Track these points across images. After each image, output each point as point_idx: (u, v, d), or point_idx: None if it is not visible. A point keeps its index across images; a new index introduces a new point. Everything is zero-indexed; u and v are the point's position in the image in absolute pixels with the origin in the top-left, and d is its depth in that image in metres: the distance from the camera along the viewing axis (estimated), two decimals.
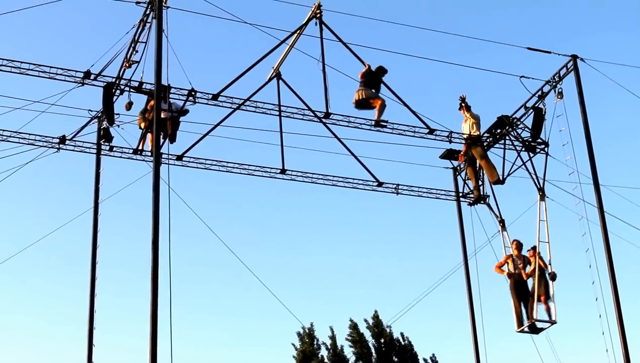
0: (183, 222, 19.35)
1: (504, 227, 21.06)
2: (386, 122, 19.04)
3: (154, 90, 16.02)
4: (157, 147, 15.32)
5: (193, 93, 18.06)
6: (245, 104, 18.67)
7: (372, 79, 19.00)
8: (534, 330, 19.49)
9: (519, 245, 20.10)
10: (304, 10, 18.80)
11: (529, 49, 20.41)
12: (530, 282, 19.60)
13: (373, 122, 18.99)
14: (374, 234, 42.70)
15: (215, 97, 18.28)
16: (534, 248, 19.80)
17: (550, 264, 19.42)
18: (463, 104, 20.30)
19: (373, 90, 18.91)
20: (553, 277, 19.32)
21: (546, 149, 20.43)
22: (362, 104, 18.93)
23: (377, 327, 26.51)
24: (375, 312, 26.88)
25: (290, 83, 19.29)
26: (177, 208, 16.56)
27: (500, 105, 45.39)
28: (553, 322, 19.19)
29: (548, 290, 19.29)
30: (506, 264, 19.97)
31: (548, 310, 19.24)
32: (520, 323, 19.51)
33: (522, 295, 19.57)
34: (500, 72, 20.74)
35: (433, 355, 26.62)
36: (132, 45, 17.61)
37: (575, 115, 20.07)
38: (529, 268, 19.72)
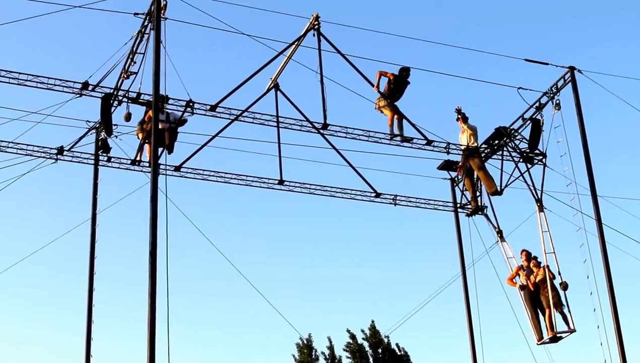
0: (181, 232, 19.35)
1: (502, 238, 21.05)
2: (411, 139, 19.29)
3: (151, 100, 16.03)
4: (155, 157, 15.33)
5: (191, 104, 18.07)
6: (243, 115, 18.69)
7: (397, 84, 19.26)
8: (554, 340, 19.38)
9: (528, 255, 19.95)
10: (302, 22, 18.85)
11: (526, 60, 20.44)
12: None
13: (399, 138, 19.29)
14: (371, 245, 42.75)
15: (213, 108, 18.29)
16: (535, 258, 19.77)
17: (560, 274, 19.33)
18: (460, 116, 20.37)
19: (388, 101, 19.19)
20: (565, 286, 19.18)
21: (544, 160, 20.46)
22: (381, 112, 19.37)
23: (374, 337, 26.53)
24: (372, 322, 26.90)
25: (288, 94, 19.34)
26: (175, 219, 16.54)
27: (498, 116, 45.49)
28: (572, 331, 19.02)
29: (560, 299, 19.21)
30: (518, 276, 19.88)
31: (565, 319, 19.08)
32: (540, 336, 19.37)
33: (536, 305, 19.48)
34: (498, 83, 20.81)
35: None
36: (130, 56, 17.64)
37: (573, 126, 20.13)
38: (532, 278, 19.66)
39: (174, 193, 16.46)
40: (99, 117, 18.07)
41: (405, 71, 19.34)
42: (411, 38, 20.45)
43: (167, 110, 18.09)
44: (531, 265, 19.71)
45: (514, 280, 19.93)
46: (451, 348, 35.08)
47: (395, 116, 19.33)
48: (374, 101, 19.42)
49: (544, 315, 19.29)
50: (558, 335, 19.09)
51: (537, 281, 19.41)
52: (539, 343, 19.45)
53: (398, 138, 19.37)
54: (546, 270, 19.28)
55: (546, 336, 19.22)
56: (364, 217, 42.67)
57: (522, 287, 19.67)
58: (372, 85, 19.13)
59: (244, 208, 41.49)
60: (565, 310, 19.11)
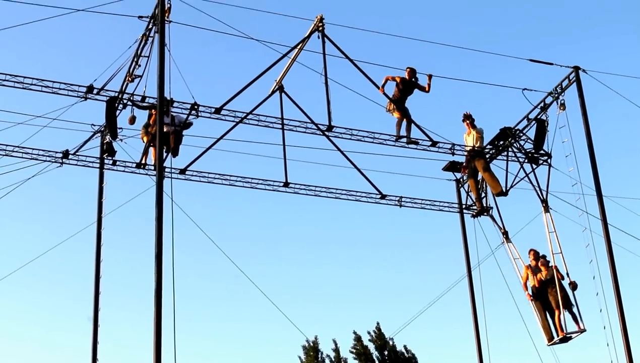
0: (186, 235, 19.30)
1: (507, 239, 21.03)
2: (417, 141, 19.39)
3: (156, 103, 16.04)
4: (160, 161, 15.31)
5: (196, 107, 18.06)
6: (247, 117, 18.68)
7: (406, 87, 19.40)
8: (564, 340, 19.28)
9: (535, 254, 19.83)
10: (307, 24, 18.87)
11: (531, 60, 20.43)
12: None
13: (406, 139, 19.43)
14: (377, 246, 42.70)
15: (217, 110, 18.29)
16: (543, 256, 19.74)
17: (568, 274, 19.28)
18: (468, 121, 20.40)
19: (398, 103, 19.31)
20: (574, 286, 19.15)
21: (549, 160, 20.44)
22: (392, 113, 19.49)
23: (380, 339, 26.49)
24: (377, 324, 26.85)
25: (293, 96, 19.36)
26: (181, 221, 16.54)
27: (502, 117, 45.34)
28: (583, 330, 18.95)
29: (569, 300, 19.17)
30: (527, 276, 19.75)
31: (575, 318, 19.01)
32: (550, 336, 19.27)
33: (545, 305, 19.39)
34: (503, 85, 20.81)
35: None
36: (135, 59, 17.64)
37: (578, 126, 20.11)
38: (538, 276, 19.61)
39: (179, 196, 16.47)
40: (104, 120, 18.09)
41: (411, 72, 19.44)
42: (415, 39, 20.57)
43: (172, 113, 18.10)
44: (539, 264, 19.64)
45: (526, 285, 19.79)
46: (457, 349, 35.08)
47: (404, 118, 19.41)
48: (378, 103, 19.47)
49: (552, 315, 19.24)
50: (568, 335, 19.03)
51: (543, 279, 19.37)
52: (549, 344, 19.35)
53: (404, 140, 19.43)
54: (555, 270, 19.25)
55: (556, 337, 19.17)
56: (370, 219, 42.65)
57: (532, 297, 19.54)
58: (378, 88, 19.16)
59: (249, 211, 41.48)
60: (575, 310, 19.07)
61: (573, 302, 19.12)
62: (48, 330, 38.29)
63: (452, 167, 21.72)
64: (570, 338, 19.18)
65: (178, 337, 14.01)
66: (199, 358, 33.32)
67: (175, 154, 18.41)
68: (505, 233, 21.12)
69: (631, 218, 20.87)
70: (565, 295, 19.09)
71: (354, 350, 26.53)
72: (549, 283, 19.27)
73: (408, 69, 19.50)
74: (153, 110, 17.94)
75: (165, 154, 16.96)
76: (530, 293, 19.58)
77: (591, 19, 47.63)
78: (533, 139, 20.45)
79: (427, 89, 19.54)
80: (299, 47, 18.83)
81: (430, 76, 19.51)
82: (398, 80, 19.38)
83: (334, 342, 26.57)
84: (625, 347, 18.15)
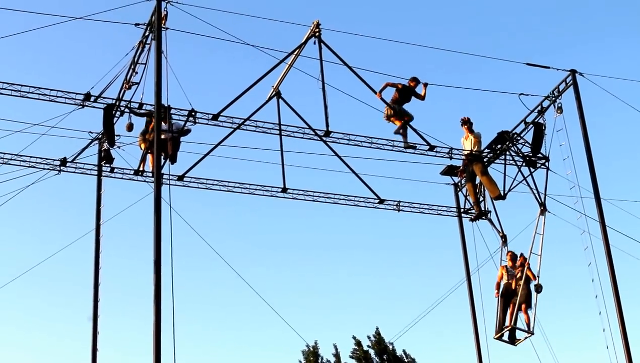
0: (185, 242, 19.30)
1: (505, 243, 21.04)
2: (414, 146, 19.41)
3: (153, 111, 16.06)
4: (158, 167, 15.34)
5: (193, 113, 18.09)
6: (245, 123, 18.70)
7: (405, 93, 19.45)
8: (512, 339, 19.64)
9: (513, 257, 20.18)
10: (304, 30, 18.87)
11: (528, 64, 20.43)
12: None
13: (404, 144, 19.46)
14: (376, 251, 42.71)
15: (215, 117, 18.31)
16: (522, 255, 19.92)
17: (538, 276, 19.45)
18: (466, 125, 20.44)
19: (396, 107, 19.34)
20: (538, 289, 19.38)
21: (547, 163, 20.45)
22: (389, 120, 19.53)
23: (380, 343, 26.51)
24: (377, 328, 26.86)
25: (290, 102, 19.34)
26: (179, 228, 16.54)
27: (500, 120, 45.46)
28: (530, 333, 19.38)
29: (530, 300, 19.39)
30: (502, 275, 20.02)
31: (528, 320, 19.42)
32: (499, 330, 19.67)
33: (507, 303, 19.73)
34: (499, 91, 20.81)
35: None
36: (132, 66, 17.68)
37: (575, 129, 20.11)
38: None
39: (177, 203, 16.48)
40: (101, 128, 18.13)
41: (413, 81, 19.50)
42: (412, 44, 20.49)
43: (170, 120, 18.10)
44: (517, 264, 19.92)
45: (499, 284, 20.09)
46: (457, 354, 35.07)
47: (403, 126, 19.44)
48: (375, 107, 19.48)
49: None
50: (516, 332, 19.37)
51: (516, 277, 19.69)
52: (495, 337, 19.76)
53: (401, 144, 19.44)
54: (526, 268, 19.52)
55: (505, 328, 19.54)
56: (368, 224, 42.67)
57: (498, 294, 19.88)
58: (375, 92, 19.16)
59: (248, 217, 41.48)
60: (530, 312, 19.42)
61: (532, 305, 19.40)
62: (47, 337, 38.32)
63: (450, 171, 21.74)
64: (519, 340, 19.55)
65: (178, 343, 14.03)
66: None
67: (173, 160, 18.41)
68: (504, 237, 21.11)
69: (629, 221, 20.90)
70: (527, 294, 19.42)
71: (354, 355, 26.55)
72: (517, 280, 19.58)
73: (413, 81, 19.53)
74: (151, 117, 17.97)
75: (163, 161, 16.97)
76: (501, 290, 19.87)
77: (588, 23, 47.75)
78: (531, 142, 20.46)
79: (422, 97, 19.60)
80: (295, 52, 18.83)
81: (426, 85, 19.58)
82: (400, 86, 19.41)
83: (334, 346, 26.61)
84: (625, 349, 18.14)
